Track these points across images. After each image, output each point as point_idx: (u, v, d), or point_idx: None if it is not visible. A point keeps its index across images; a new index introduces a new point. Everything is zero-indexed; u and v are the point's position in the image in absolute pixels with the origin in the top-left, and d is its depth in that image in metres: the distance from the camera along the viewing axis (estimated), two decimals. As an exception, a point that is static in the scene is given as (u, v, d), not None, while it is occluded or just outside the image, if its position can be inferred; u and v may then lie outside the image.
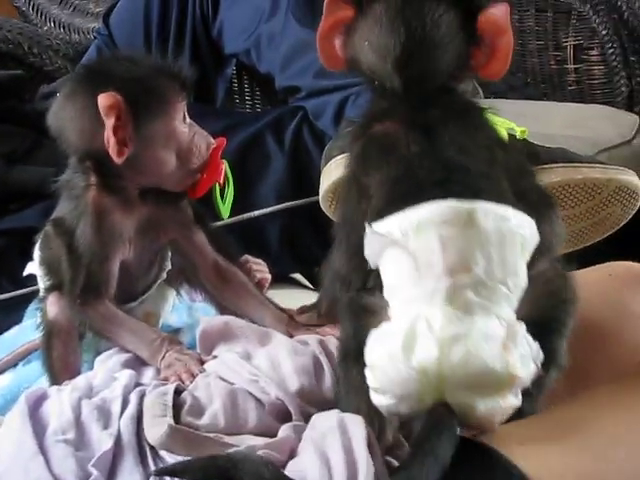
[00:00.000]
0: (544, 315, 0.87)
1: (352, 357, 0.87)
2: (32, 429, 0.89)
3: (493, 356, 0.81)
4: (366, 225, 0.86)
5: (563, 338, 0.89)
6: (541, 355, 0.85)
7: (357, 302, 0.88)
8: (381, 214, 0.86)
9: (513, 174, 0.91)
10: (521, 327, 0.84)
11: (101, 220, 1.05)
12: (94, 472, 0.85)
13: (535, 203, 0.91)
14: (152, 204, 1.07)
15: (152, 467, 0.87)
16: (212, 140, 1.09)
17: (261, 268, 1.22)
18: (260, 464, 0.79)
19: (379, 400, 0.84)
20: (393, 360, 0.82)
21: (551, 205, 0.95)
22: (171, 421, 0.89)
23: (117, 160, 1.01)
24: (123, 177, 1.05)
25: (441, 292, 0.82)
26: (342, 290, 0.93)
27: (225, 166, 1.11)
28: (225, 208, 1.12)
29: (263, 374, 0.95)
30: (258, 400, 0.93)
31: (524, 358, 0.83)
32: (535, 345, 0.85)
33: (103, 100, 1.00)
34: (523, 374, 0.83)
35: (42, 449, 0.87)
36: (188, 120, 1.07)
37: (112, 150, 1.01)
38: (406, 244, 0.83)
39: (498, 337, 0.82)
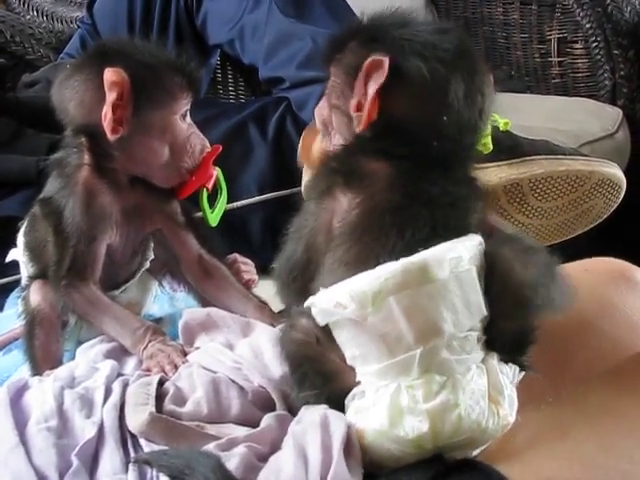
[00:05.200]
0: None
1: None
2: (13, 419, 0.88)
3: (484, 414, 0.81)
4: (311, 299, 0.84)
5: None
6: (517, 371, 0.85)
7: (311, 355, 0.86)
8: (352, 241, 0.85)
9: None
10: (495, 363, 0.83)
11: (90, 200, 1.04)
12: (75, 462, 0.84)
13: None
14: (141, 192, 1.07)
15: (132, 455, 0.87)
16: (208, 144, 1.09)
17: (249, 269, 1.23)
18: (210, 468, 0.79)
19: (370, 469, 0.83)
20: (383, 438, 0.81)
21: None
22: (153, 409, 0.89)
23: (110, 137, 1.01)
24: (115, 160, 1.05)
25: (415, 361, 0.80)
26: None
27: (218, 174, 1.11)
28: (214, 216, 1.12)
29: (246, 362, 0.95)
30: (241, 388, 0.93)
31: (509, 398, 0.83)
32: (511, 369, 0.84)
33: (109, 74, 1.00)
34: (513, 415, 0.83)
35: (23, 440, 0.86)
36: (189, 120, 1.08)
37: (107, 125, 1.01)
38: (365, 319, 0.81)
39: (483, 390, 0.81)
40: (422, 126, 0.88)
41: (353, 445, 0.82)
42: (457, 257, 0.82)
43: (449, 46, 0.89)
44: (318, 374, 0.85)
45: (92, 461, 0.86)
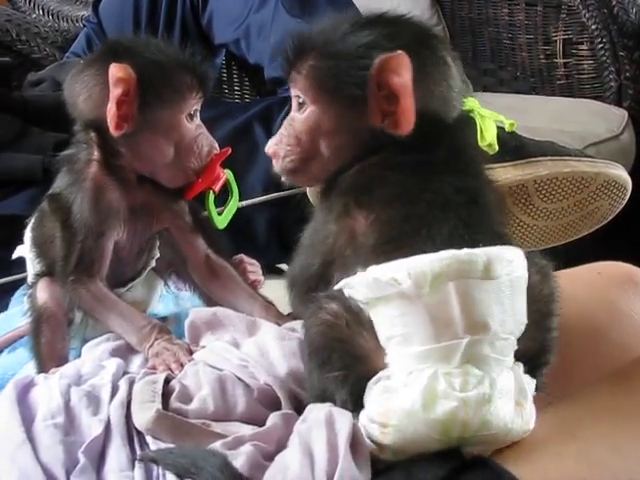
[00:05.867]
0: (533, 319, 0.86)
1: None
2: (20, 416, 0.88)
3: (511, 416, 0.81)
4: (358, 267, 0.84)
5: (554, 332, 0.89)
6: (533, 385, 0.85)
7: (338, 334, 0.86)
8: (377, 252, 0.84)
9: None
10: (521, 371, 0.84)
11: (99, 196, 1.04)
12: (82, 459, 0.84)
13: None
14: (149, 191, 1.08)
15: (138, 452, 0.87)
16: (217, 146, 1.09)
17: (255, 269, 1.22)
18: (217, 467, 0.79)
19: (387, 456, 0.83)
20: (412, 419, 0.80)
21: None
22: (159, 407, 0.89)
23: (113, 132, 1.01)
24: (122, 157, 1.05)
25: (460, 349, 0.80)
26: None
27: (229, 177, 1.11)
28: (222, 218, 1.12)
29: (252, 360, 0.95)
30: (247, 386, 0.93)
31: (530, 405, 0.84)
32: (532, 382, 0.85)
33: (114, 70, 1.00)
34: (532, 423, 0.84)
35: (30, 437, 0.86)
36: (198, 120, 1.08)
37: (110, 120, 1.01)
38: (419, 298, 0.81)
39: (511, 393, 0.82)
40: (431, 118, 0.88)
41: (359, 442, 0.82)
42: (510, 261, 0.83)
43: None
44: (346, 355, 0.85)
45: (99, 458, 0.86)
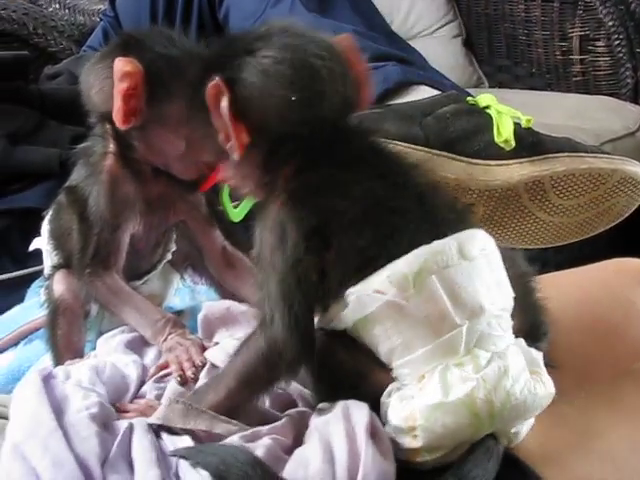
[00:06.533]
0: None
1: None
2: (49, 405, 0.87)
3: (532, 382, 0.81)
4: (346, 292, 0.82)
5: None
6: (541, 356, 0.85)
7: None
8: (354, 270, 0.83)
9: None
10: (524, 344, 0.85)
11: (115, 188, 1.05)
12: (115, 452, 0.83)
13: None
14: (164, 183, 1.07)
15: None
16: None
17: None
18: (249, 465, 0.79)
19: (424, 457, 0.82)
20: (437, 412, 0.80)
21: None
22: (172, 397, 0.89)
23: (120, 126, 1.00)
24: (135, 150, 1.05)
25: (462, 337, 0.81)
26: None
27: None
28: (238, 211, 1.12)
29: None
30: None
31: (546, 374, 0.84)
32: (539, 354, 0.85)
33: (120, 64, 0.99)
34: (554, 388, 0.83)
35: (61, 426, 0.85)
36: None
37: (116, 114, 1.00)
38: (407, 301, 0.81)
39: (523, 363, 0.82)
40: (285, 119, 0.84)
41: (379, 431, 0.82)
42: (481, 239, 0.84)
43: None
44: (350, 382, 0.85)
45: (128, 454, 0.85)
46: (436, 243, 0.82)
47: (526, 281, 0.89)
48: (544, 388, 0.82)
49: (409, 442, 0.82)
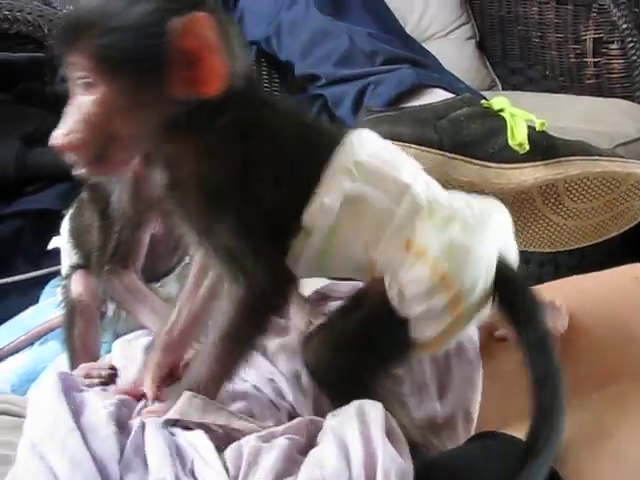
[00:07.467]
0: None
1: None
2: (68, 406, 0.87)
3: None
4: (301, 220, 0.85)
5: None
6: None
7: None
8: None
9: None
10: None
11: (138, 187, 1.05)
12: (129, 453, 0.83)
13: None
14: None
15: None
16: None
17: None
18: None
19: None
20: (448, 253, 0.83)
21: None
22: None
23: None
24: None
25: (418, 193, 0.85)
26: None
27: None
28: None
29: (278, 373, 0.95)
30: (274, 406, 0.94)
31: None
32: None
33: None
34: None
35: (79, 427, 0.85)
36: None
37: None
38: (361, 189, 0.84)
39: None
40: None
41: (394, 430, 0.82)
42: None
43: None
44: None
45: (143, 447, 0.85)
46: (348, 144, 0.86)
47: None
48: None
49: (439, 299, 0.83)
